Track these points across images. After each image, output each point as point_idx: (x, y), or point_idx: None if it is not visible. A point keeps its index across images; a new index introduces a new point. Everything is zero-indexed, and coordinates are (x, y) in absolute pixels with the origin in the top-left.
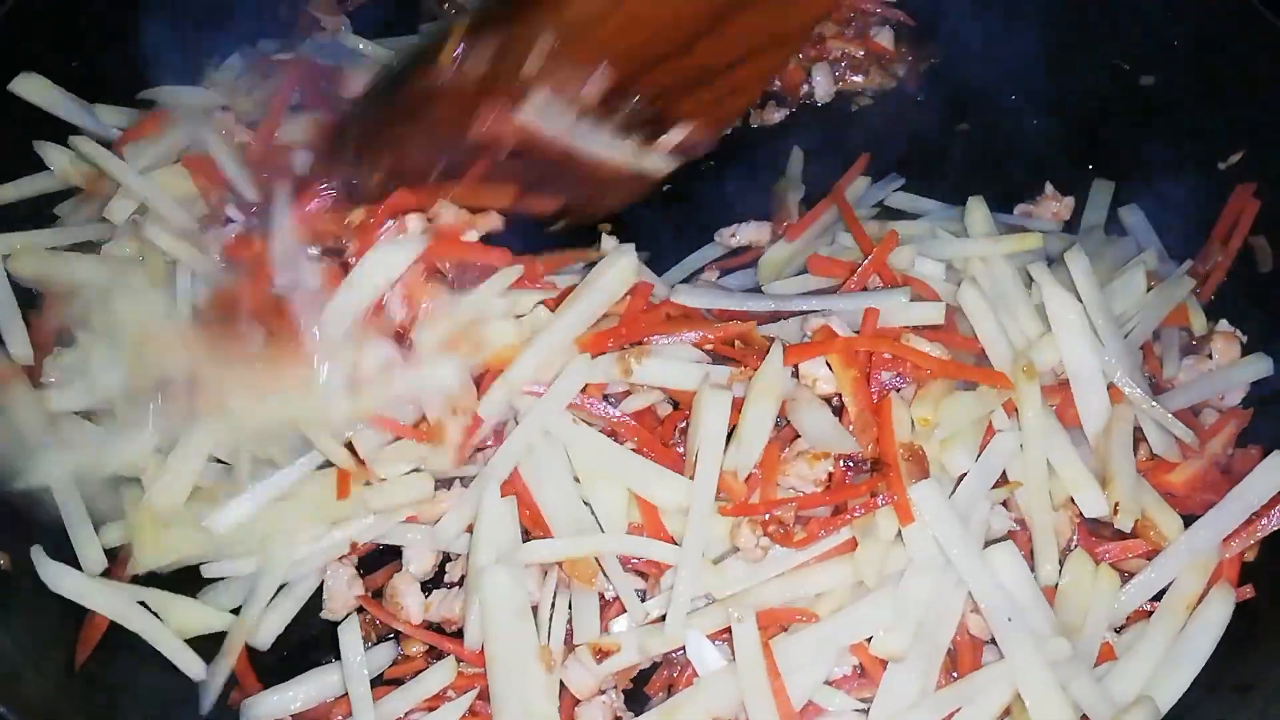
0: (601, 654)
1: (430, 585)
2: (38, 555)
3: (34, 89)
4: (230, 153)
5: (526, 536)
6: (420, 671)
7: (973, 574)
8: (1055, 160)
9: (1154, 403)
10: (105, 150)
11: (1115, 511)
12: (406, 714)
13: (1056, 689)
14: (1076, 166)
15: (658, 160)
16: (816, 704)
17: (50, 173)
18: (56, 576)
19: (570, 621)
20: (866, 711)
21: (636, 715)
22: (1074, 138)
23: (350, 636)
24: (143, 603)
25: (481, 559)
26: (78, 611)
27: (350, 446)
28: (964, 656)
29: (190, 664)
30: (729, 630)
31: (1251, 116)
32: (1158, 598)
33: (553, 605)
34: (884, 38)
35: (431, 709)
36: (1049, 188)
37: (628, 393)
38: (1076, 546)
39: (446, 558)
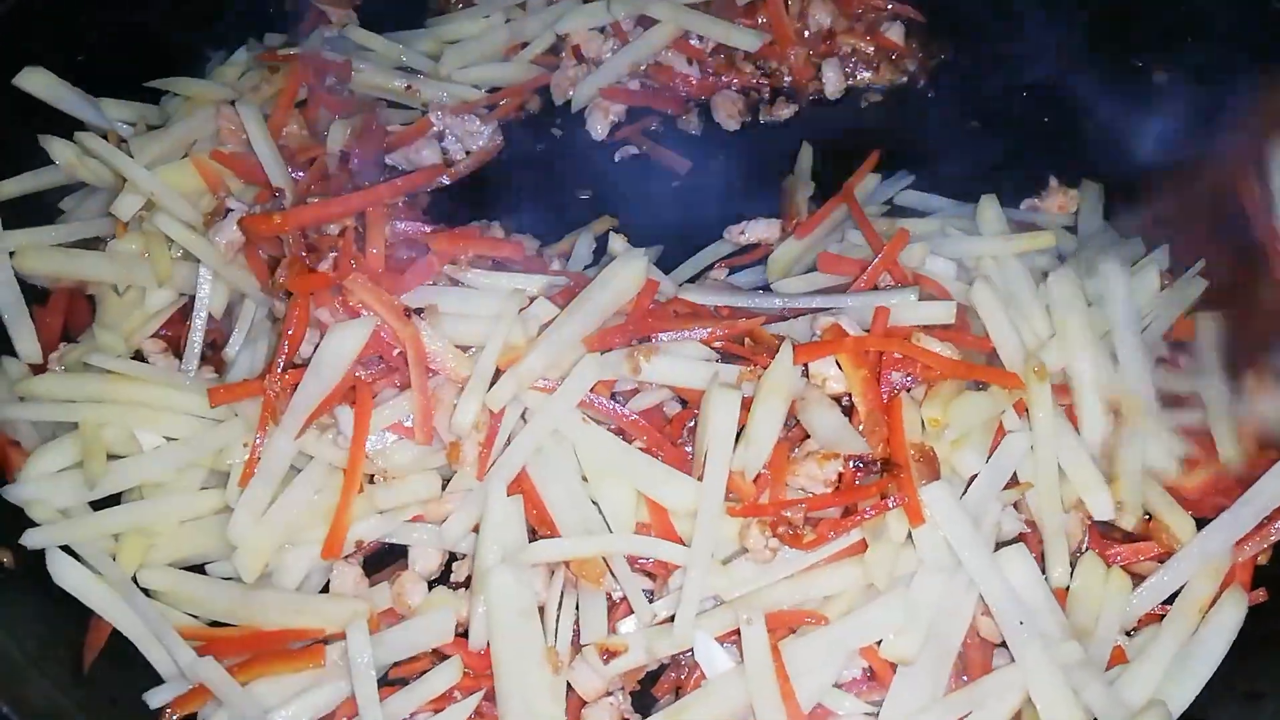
0: (609, 655)
1: (436, 584)
2: (50, 549)
3: (38, 83)
4: (262, 132)
5: (533, 536)
6: (425, 672)
7: (984, 577)
8: (1067, 157)
9: (1158, 409)
10: (110, 145)
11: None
12: (412, 715)
13: (1068, 692)
14: (1089, 163)
15: None
16: (826, 707)
17: (55, 167)
18: (64, 571)
19: (577, 622)
20: (876, 715)
21: (644, 718)
22: (1086, 134)
23: (358, 636)
24: (146, 591)
25: (487, 559)
26: (81, 610)
27: None
28: (974, 659)
29: (184, 657)
30: (737, 632)
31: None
32: (1169, 601)
33: (559, 606)
34: (894, 33)
35: (438, 710)
36: (1053, 181)
37: (636, 391)
38: (1088, 549)
39: (453, 557)
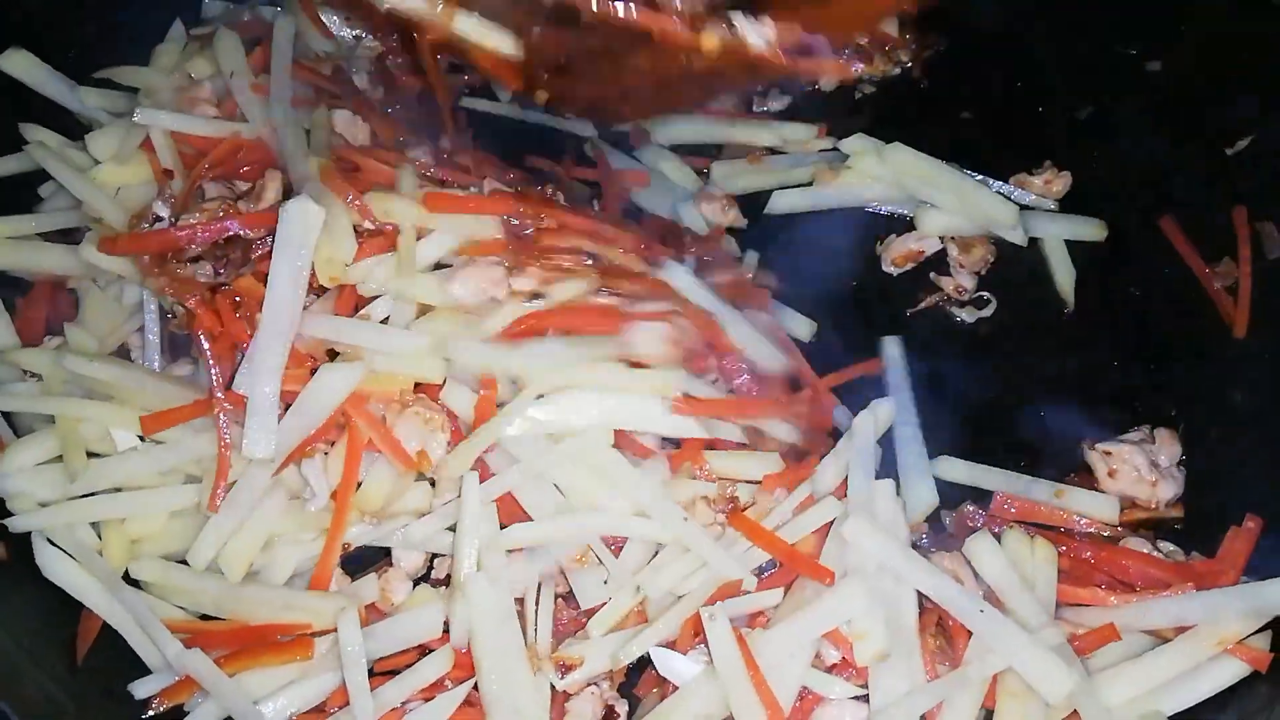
0: (565, 668)
1: (418, 581)
2: (37, 541)
3: (21, 65)
4: (166, 140)
5: None
6: (411, 663)
7: (910, 579)
8: (1061, 147)
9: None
10: (54, 145)
11: None
12: (403, 704)
13: (1049, 655)
14: (1083, 154)
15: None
16: (817, 693)
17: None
18: (52, 564)
19: (559, 611)
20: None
21: (634, 698)
22: (1080, 125)
23: (350, 626)
24: (136, 583)
25: (464, 566)
26: (77, 605)
27: None
28: (957, 628)
29: (171, 649)
30: (701, 639)
31: (1259, 102)
32: None
33: (537, 603)
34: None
35: (428, 699)
36: (1048, 162)
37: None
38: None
39: (435, 554)
